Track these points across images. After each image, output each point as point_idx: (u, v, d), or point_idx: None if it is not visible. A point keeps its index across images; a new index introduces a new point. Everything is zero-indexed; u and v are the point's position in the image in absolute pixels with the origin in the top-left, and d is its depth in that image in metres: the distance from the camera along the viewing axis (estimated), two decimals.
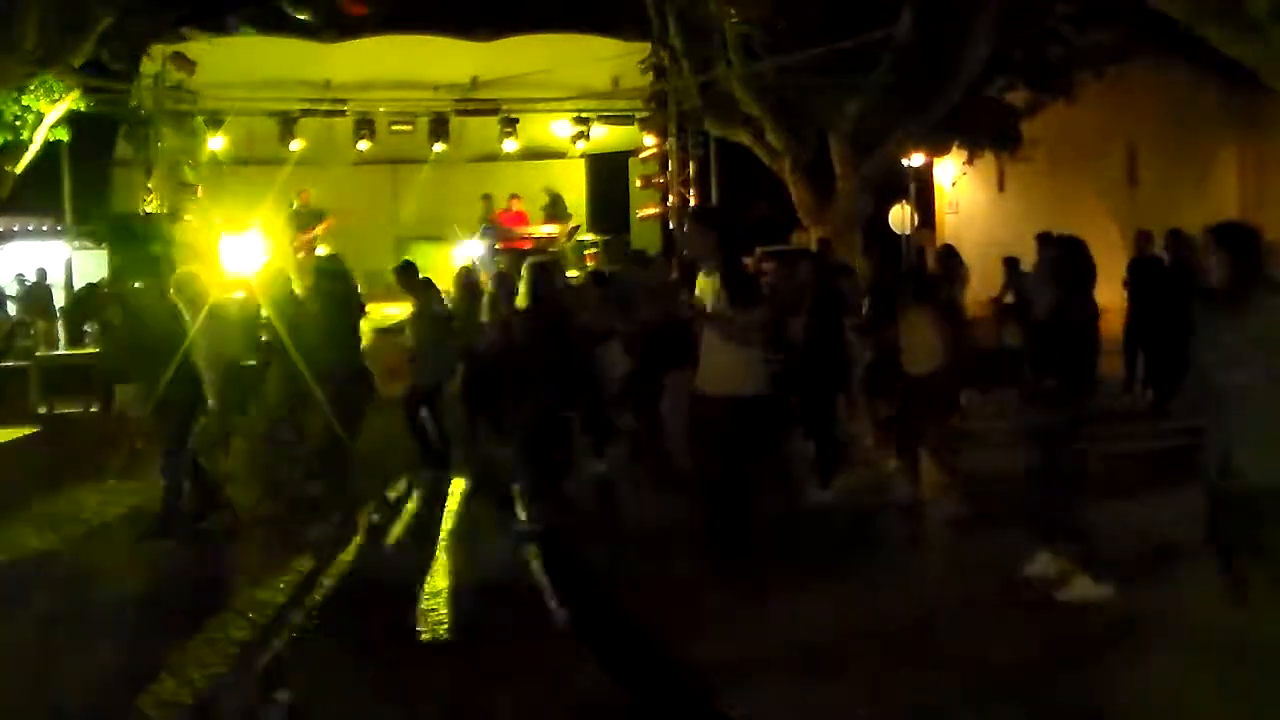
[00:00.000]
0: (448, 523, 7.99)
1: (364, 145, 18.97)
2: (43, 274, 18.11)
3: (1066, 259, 5.91)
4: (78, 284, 18.12)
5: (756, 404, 6.21)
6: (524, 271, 8.02)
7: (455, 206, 19.80)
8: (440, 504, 8.46)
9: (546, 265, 8.38)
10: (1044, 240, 5.98)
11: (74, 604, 6.28)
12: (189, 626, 5.83)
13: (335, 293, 8.03)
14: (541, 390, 7.66)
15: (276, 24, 17.35)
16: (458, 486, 8.99)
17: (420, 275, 9.85)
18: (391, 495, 8.73)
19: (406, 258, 11.03)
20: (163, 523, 7.46)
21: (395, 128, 19.14)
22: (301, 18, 16.88)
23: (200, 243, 16.71)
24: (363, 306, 8.63)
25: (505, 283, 9.32)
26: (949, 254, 11.42)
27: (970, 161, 20.77)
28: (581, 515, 7.98)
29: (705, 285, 6.28)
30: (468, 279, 10.53)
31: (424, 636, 5.66)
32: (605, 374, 9.20)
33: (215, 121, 18.27)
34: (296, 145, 18.65)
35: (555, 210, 18.93)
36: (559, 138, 20.48)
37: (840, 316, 8.49)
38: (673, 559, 6.62)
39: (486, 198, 19.07)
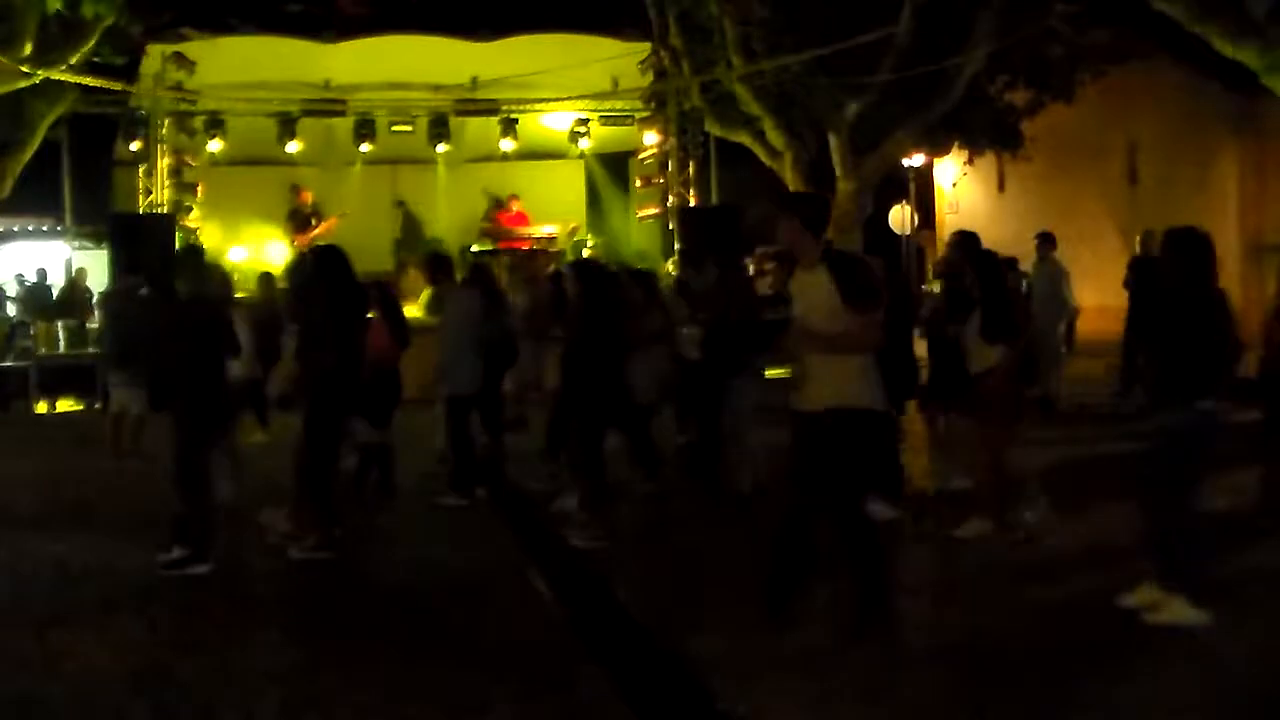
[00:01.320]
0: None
1: (366, 147, 18.94)
2: (43, 274, 18.15)
3: (1180, 253, 5.51)
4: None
5: (871, 420, 5.23)
6: (571, 272, 7.72)
7: (456, 206, 19.83)
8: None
9: (597, 264, 8.14)
10: (1170, 238, 5.75)
11: (74, 605, 6.28)
12: (190, 629, 5.85)
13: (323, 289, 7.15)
14: (606, 395, 7.35)
15: (276, 24, 17.35)
16: None
17: (451, 268, 9.00)
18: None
19: (437, 250, 10.12)
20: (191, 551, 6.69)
21: (395, 128, 19.12)
22: (294, 10, 16.89)
23: (201, 242, 16.75)
24: (360, 303, 7.48)
25: (556, 283, 8.80)
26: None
27: (970, 161, 20.76)
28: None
29: (806, 284, 5.28)
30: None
31: (424, 637, 5.66)
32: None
33: (215, 121, 18.27)
34: (295, 146, 18.63)
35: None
36: (558, 133, 20.44)
37: (910, 320, 8.12)
38: (692, 566, 6.60)
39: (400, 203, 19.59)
